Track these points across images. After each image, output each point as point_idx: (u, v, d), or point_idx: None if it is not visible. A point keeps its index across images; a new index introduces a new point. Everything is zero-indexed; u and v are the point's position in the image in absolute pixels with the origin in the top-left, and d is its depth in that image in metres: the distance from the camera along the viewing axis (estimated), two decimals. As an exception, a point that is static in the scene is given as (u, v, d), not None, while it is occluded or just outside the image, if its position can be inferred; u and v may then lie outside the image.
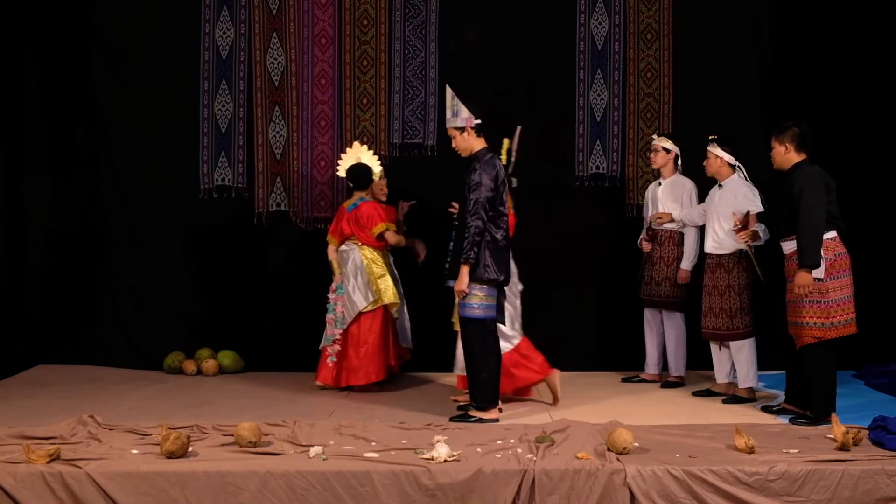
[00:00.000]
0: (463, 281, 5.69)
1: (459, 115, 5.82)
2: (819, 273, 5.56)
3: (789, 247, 5.76)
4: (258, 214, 7.67)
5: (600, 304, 7.71)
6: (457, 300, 5.82)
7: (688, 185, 6.95)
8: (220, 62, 7.64)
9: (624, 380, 7.20)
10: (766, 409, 6.11)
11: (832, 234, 5.62)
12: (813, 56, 7.55)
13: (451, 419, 5.72)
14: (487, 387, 5.78)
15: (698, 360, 7.03)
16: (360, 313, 6.74)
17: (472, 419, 5.72)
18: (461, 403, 6.16)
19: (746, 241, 6.24)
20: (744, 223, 6.21)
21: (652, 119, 7.72)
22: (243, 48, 7.64)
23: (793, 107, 7.12)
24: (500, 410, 5.91)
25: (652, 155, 7.06)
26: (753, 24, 7.65)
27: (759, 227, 6.27)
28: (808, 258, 5.53)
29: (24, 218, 7.69)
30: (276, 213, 7.68)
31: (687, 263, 6.86)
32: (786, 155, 5.78)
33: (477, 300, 5.74)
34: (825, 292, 5.57)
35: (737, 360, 6.43)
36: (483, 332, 5.77)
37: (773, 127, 5.99)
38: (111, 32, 7.63)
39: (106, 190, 7.71)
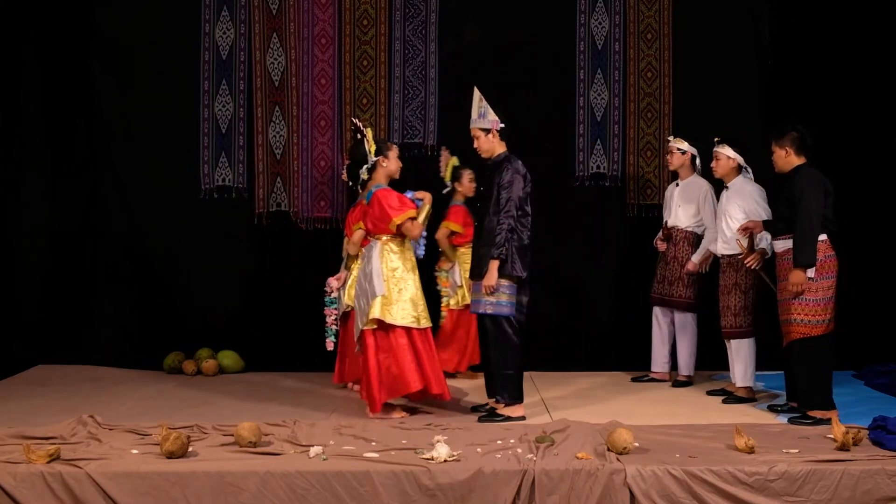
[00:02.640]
0: (493, 276, 5.70)
1: (486, 117, 5.88)
2: (811, 272, 5.64)
3: (782, 245, 5.80)
4: (258, 214, 7.67)
5: (600, 304, 7.71)
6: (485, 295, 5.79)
7: (704, 187, 6.89)
8: (220, 62, 7.64)
9: (634, 379, 7.17)
10: (773, 409, 6.12)
11: (822, 237, 5.69)
12: (813, 56, 7.55)
13: (480, 420, 5.73)
14: (513, 383, 5.78)
15: (702, 360, 7.05)
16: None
17: (500, 418, 5.72)
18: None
19: (756, 266, 6.21)
20: (749, 244, 6.17)
21: (652, 119, 7.72)
22: (243, 48, 7.64)
23: (792, 108, 7.13)
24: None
25: (668, 157, 7.03)
26: (753, 24, 7.66)
27: (765, 241, 6.19)
28: (806, 257, 5.60)
29: (24, 218, 7.69)
30: (276, 213, 7.68)
31: (697, 257, 6.81)
32: (787, 158, 5.84)
33: (492, 297, 5.76)
34: (814, 291, 5.65)
35: (735, 358, 6.43)
36: (499, 328, 5.76)
37: (773, 128, 5.99)
38: (111, 32, 7.63)
39: (106, 190, 7.71)
